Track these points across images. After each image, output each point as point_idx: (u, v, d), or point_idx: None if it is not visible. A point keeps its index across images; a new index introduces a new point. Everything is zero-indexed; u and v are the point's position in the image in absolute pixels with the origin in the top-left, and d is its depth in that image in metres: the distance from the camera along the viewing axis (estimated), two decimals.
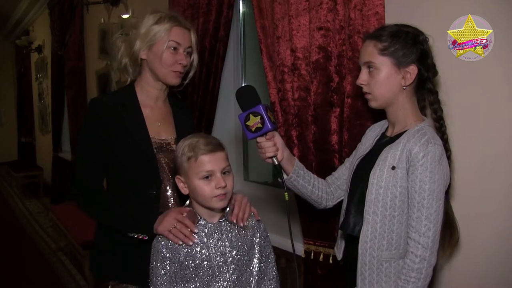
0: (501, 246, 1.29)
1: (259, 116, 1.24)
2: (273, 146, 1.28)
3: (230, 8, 2.16)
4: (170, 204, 1.45)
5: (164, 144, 1.46)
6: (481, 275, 1.35)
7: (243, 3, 2.61)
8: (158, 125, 1.48)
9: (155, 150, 1.43)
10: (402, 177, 1.17)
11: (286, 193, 1.28)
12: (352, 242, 1.29)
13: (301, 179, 1.37)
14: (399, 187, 1.18)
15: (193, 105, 2.35)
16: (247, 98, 1.27)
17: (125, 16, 3.35)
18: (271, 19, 1.77)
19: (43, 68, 6.48)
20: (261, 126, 1.24)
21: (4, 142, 9.06)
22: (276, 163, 1.29)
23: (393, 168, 1.18)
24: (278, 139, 1.31)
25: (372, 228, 1.21)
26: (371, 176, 1.22)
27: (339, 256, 1.40)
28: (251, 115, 1.25)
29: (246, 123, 1.26)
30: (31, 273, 3.57)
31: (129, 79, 1.52)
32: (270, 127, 1.24)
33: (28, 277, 3.47)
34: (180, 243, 1.21)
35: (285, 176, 1.34)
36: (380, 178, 1.20)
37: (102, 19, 3.91)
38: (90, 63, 4.45)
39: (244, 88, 1.30)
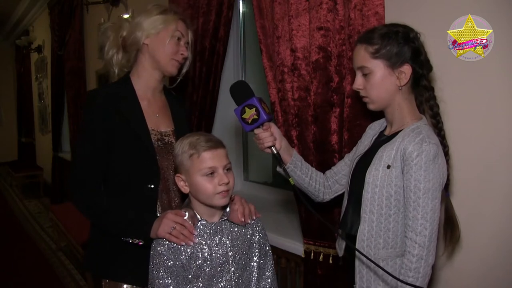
0: (501, 245, 1.29)
1: (254, 108, 1.27)
2: (270, 136, 1.32)
3: (230, 8, 2.16)
4: (173, 196, 1.46)
5: (163, 136, 1.47)
6: (481, 275, 1.35)
7: (243, 3, 2.61)
8: (156, 116, 1.49)
9: (154, 143, 1.43)
10: (397, 176, 1.18)
11: (290, 179, 1.33)
12: (351, 240, 1.29)
13: (299, 170, 1.40)
14: (394, 186, 1.18)
15: (193, 105, 2.35)
16: (240, 92, 1.30)
17: (125, 16, 3.35)
18: (271, 19, 1.77)
19: (43, 68, 6.48)
20: (257, 117, 1.28)
21: (4, 142, 9.06)
22: (275, 152, 1.33)
23: (388, 167, 1.19)
24: (274, 129, 1.35)
25: (369, 227, 1.22)
26: (367, 175, 1.22)
27: (340, 253, 1.41)
28: (246, 108, 1.28)
29: (242, 116, 1.30)
30: (31, 273, 3.57)
31: (115, 71, 1.52)
32: (266, 117, 1.28)
33: (28, 277, 3.47)
34: (182, 243, 1.20)
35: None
36: (376, 177, 1.20)
37: (102, 19, 3.91)
38: (90, 63, 4.45)
39: (237, 83, 1.33)
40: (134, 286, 1.44)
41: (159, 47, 1.43)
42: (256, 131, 1.32)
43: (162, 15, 1.44)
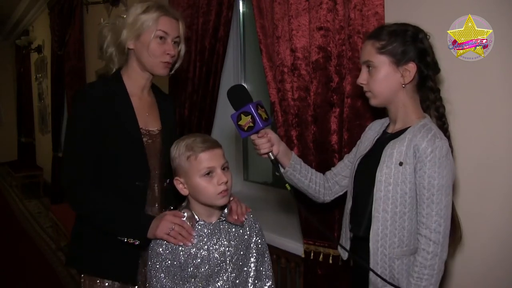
0: (501, 245, 1.30)
1: (250, 116, 1.26)
2: (267, 143, 1.31)
3: (230, 8, 2.16)
4: (157, 194, 1.45)
5: (152, 135, 1.45)
6: (481, 274, 1.35)
7: (243, 3, 2.61)
8: (146, 115, 1.46)
9: (144, 141, 1.42)
10: (410, 173, 1.17)
11: (286, 184, 1.32)
12: (360, 241, 1.28)
13: (298, 173, 1.39)
14: (408, 183, 1.17)
15: (193, 105, 2.35)
16: (237, 98, 1.29)
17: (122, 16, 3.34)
18: (271, 19, 1.77)
19: (43, 68, 6.48)
20: (252, 125, 1.26)
21: (4, 142, 9.05)
22: (272, 158, 1.32)
23: (401, 164, 1.17)
24: (271, 134, 1.33)
25: (383, 226, 1.20)
26: (377, 173, 1.21)
27: (345, 256, 1.40)
28: (242, 114, 1.27)
29: (239, 123, 1.28)
30: (31, 273, 3.57)
31: (114, 68, 1.48)
32: (261, 125, 1.26)
33: (28, 277, 3.47)
34: (180, 244, 1.21)
35: (282, 170, 1.38)
36: (388, 175, 1.19)
37: (102, 19, 3.90)
38: (90, 63, 4.45)
39: (234, 88, 1.32)
40: (115, 283, 1.42)
41: (143, 51, 1.38)
42: (252, 137, 1.31)
43: (143, 14, 1.37)
